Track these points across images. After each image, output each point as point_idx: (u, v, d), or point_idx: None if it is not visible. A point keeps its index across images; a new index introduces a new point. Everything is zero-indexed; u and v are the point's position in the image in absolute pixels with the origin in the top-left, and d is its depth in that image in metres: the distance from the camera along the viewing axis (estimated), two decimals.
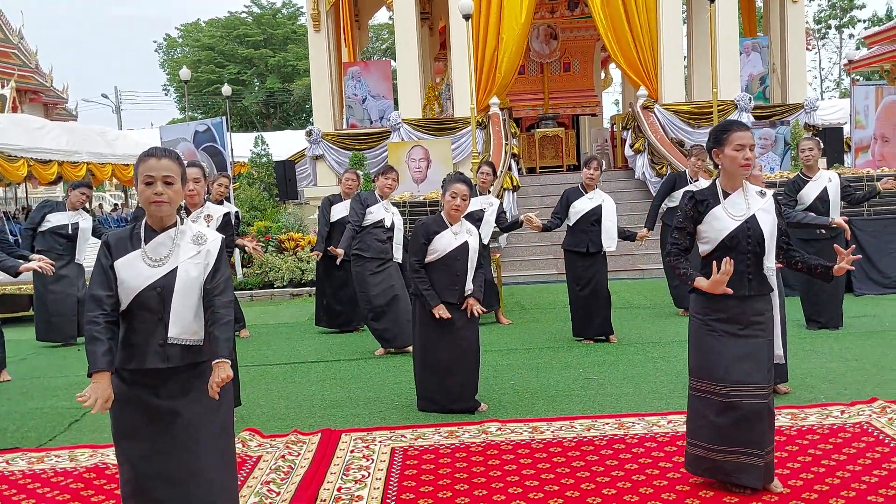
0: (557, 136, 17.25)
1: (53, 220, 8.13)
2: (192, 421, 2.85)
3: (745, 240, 3.57)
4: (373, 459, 4.30)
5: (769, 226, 3.60)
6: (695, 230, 3.69)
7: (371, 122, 15.50)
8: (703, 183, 7.95)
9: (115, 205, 33.94)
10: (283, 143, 21.00)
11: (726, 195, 3.64)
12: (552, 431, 4.65)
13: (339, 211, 8.05)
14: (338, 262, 7.68)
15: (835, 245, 3.83)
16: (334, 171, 14.76)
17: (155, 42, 73.34)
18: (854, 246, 4.09)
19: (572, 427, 4.71)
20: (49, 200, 8.44)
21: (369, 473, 4.10)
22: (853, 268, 3.68)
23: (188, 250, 2.89)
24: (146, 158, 2.84)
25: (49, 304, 8.24)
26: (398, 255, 7.09)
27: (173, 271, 2.84)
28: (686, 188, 7.27)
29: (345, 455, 4.38)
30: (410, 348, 7.06)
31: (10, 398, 5.50)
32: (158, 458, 2.82)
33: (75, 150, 20.78)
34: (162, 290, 2.82)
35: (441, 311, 5.11)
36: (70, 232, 8.14)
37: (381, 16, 30.60)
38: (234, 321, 2.93)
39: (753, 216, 3.59)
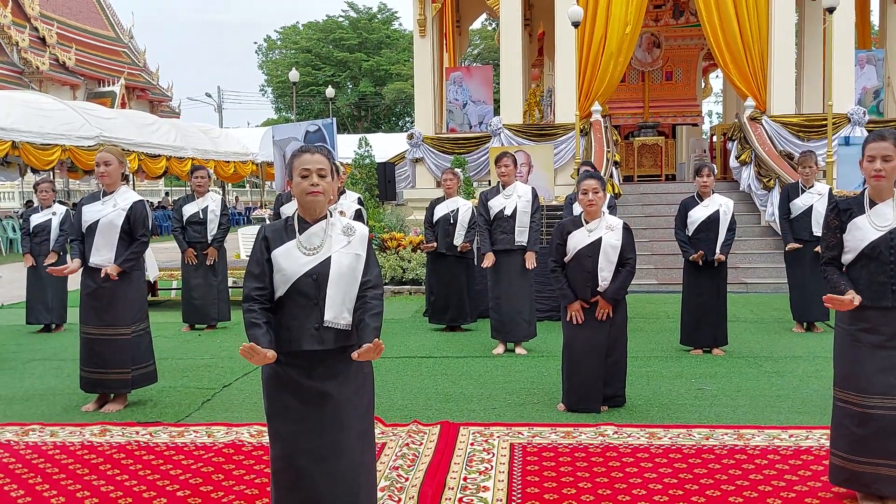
0: (657, 144, 17.01)
1: (187, 211, 8.55)
2: (341, 402, 2.98)
3: (888, 250, 3.52)
4: (493, 453, 4.39)
5: None
6: (840, 239, 3.66)
7: (470, 127, 15.64)
8: (820, 187, 7.86)
9: None
10: (378, 145, 21.39)
11: (873, 205, 3.61)
12: (670, 438, 4.64)
13: (440, 211, 8.34)
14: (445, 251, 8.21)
15: None
16: (433, 173, 14.97)
17: (255, 43, 75.77)
18: None
19: (690, 435, 4.69)
20: (183, 196, 8.99)
21: (492, 466, 4.19)
22: None
23: (339, 241, 3.03)
24: (300, 154, 3.01)
25: (192, 289, 8.69)
26: (520, 238, 7.05)
27: (327, 260, 2.98)
28: (833, 200, 7.08)
29: (465, 447, 4.48)
30: (519, 349, 7.17)
31: None
32: (308, 436, 2.96)
33: (181, 146, 21.76)
34: (318, 277, 2.96)
35: (573, 310, 5.20)
36: (202, 217, 8.50)
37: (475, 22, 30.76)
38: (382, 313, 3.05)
39: None
